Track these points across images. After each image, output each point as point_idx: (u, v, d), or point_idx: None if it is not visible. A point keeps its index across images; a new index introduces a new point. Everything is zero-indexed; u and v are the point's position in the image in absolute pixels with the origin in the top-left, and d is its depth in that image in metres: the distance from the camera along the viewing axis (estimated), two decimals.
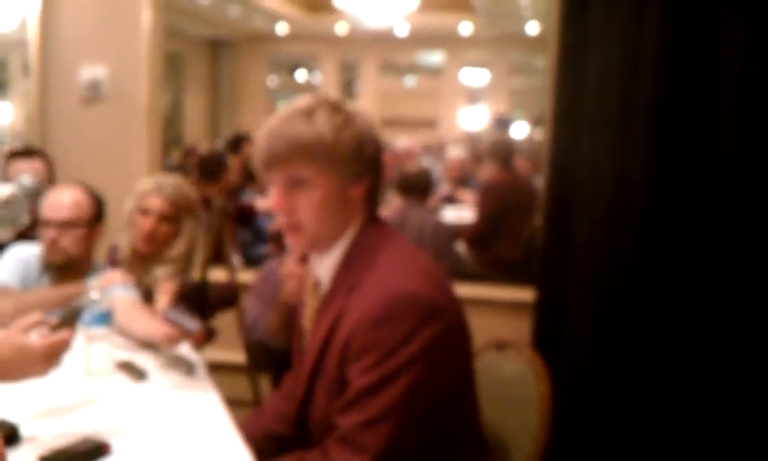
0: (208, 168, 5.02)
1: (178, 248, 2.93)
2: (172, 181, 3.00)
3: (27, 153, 3.49)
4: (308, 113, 1.72)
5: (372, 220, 1.81)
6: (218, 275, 3.39)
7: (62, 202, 2.73)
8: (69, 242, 2.70)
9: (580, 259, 3.36)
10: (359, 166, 1.74)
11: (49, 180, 3.42)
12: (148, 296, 2.79)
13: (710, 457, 3.10)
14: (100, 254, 2.99)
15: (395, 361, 1.58)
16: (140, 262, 2.94)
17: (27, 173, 3.27)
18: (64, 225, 2.70)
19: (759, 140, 2.97)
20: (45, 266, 2.75)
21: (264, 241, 4.77)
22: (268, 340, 2.83)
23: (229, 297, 2.91)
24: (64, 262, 2.72)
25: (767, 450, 3.00)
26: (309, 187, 1.72)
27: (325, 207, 1.74)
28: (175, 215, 2.94)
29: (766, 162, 2.97)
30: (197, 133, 11.29)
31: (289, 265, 2.61)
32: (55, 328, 1.80)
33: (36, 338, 1.76)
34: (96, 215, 2.79)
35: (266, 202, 5.08)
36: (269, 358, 2.93)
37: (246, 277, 3.60)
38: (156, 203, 2.92)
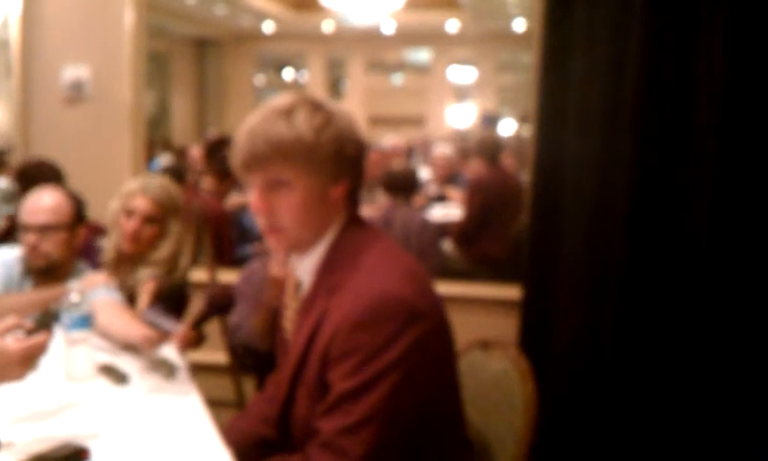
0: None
1: (164, 249, 2.90)
2: (157, 182, 2.97)
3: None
4: (288, 113, 1.70)
5: (353, 220, 1.79)
6: (198, 275, 3.37)
7: (42, 206, 2.70)
8: (50, 246, 2.68)
9: (566, 257, 3.36)
10: (339, 167, 1.72)
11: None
12: (132, 298, 2.77)
13: (698, 457, 3.10)
14: None
15: (376, 365, 1.56)
16: (125, 264, 2.92)
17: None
18: (45, 229, 2.67)
19: (742, 139, 2.98)
20: (26, 270, 2.73)
21: (250, 241, 4.75)
22: (253, 342, 2.81)
23: (227, 302, 2.88)
24: (46, 266, 2.69)
25: (756, 447, 3.00)
26: (289, 189, 1.70)
27: (306, 209, 1.72)
28: (160, 216, 2.91)
29: (749, 161, 2.98)
30: (184, 133, 11.26)
31: (275, 267, 2.59)
32: (31, 332, 1.78)
33: (12, 342, 1.73)
34: (76, 218, 2.77)
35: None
36: (254, 360, 2.90)
37: (232, 277, 3.58)
38: (140, 203, 2.90)
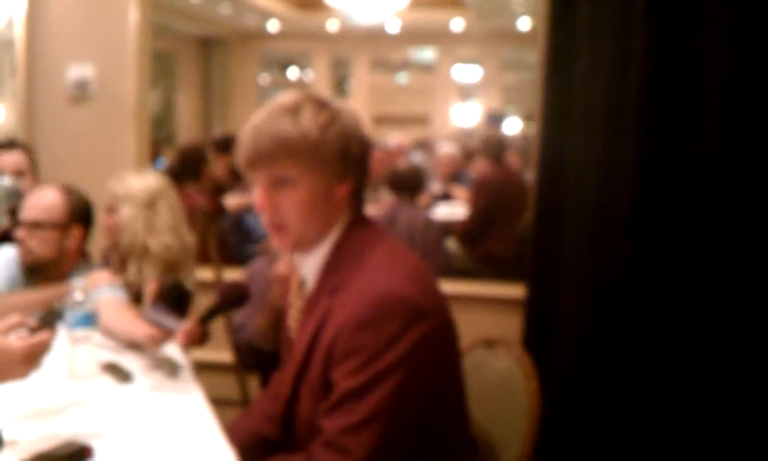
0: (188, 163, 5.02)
1: (123, 237, 2.90)
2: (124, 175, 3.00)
3: (7, 146, 3.46)
4: (293, 110, 1.70)
5: (357, 219, 1.79)
6: (203, 274, 3.37)
7: (36, 203, 2.70)
8: (36, 243, 2.66)
9: (570, 256, 3.36)
10: (344, 165, 1.72)
11: (32, 172, 3.40)
12: (138, 297, 2.77)
13: (701, 456, 3.09)
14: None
15: (380, 365, 1.56)
16: (122, 260, 2.93)
17: (10, 166, 3.27)
18: (33, 226, 2.66)
19: (744, 137, 2.98)
20: (19, 268, 2.72)
21: (253, 241, 4.75)
22: (257, 341, 2.81)
23: (240, 297, 2.82)
24: (34, 263, 2.68)
25: (759, 447, 2.99)
26: (293, 187, 1.70)
27: (310, 207, 1.71)
28: (113, 205, 2.92)
29: (752, 161, 2.98)
30: (189, 133, 11.26)
31: (280, 267, 2.58)
32: (34, 330, 1.78)
33: (15, 340, 1.73)
34: (71, 219, 2.75)
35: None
36: (258, 359, 2.90)
37: (235, 276, 3.57)
38: None
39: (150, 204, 2.91)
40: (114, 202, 2.92)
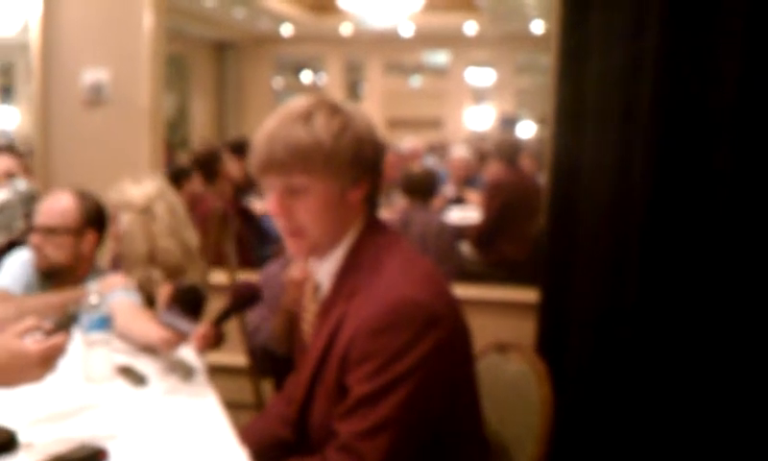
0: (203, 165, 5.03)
1: (125, 246, 2.91)
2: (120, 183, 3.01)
3: None
4: (306, 117, 1.70)
5: (372, 223, 1.79)
6: (219, 277, 3.38)
7: (50, 208, 2.71)
8: (51, 249, 2.67)
9: (584, 260, 3.35)
10: (358, 170, 1.72)
11: (24, 174, 3.42)
12: (150, 300, 2.78)
13: (716, 458, 3.08)
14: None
15: (395, 370, 1.57)
16: (129, 269, 2.94)
17: (1, 170, 3.30)
18: (47, 231, 2.67)
19: (757, 141, 2.97)
20: (35, 272, 2.73)
21: (270, 242, 4.75)
22: (272, 346, 2.81)
23: (251, 297, 2.78)
24: (49, 269, 2.69)
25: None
26: (307, 193, 1.70)
27: (325, 213, 1.72)
28: (113, 214, 2.92)
29: (763, 162, 2.97)
30: (203, 136, 11.28)
31: (294, 271, 2.59)
32: (49, 333, 1.79)
33: (31, 343, 1.74)
34: (87, 223, 2.76)
35: (263, 204, 5.08)
36: (273, 363, 2.91)
37: (251, 278, 3.58)
38: None
39: (146, 209, 2.90)
40: (114, 211, 2.92)
